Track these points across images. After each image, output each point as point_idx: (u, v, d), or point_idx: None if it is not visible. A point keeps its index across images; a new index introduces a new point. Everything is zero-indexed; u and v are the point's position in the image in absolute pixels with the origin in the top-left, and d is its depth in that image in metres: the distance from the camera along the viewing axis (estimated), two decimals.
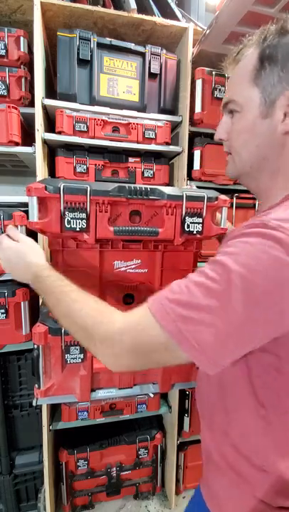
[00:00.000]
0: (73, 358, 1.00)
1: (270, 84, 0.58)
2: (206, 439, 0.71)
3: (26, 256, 0.80)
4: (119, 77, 1.42)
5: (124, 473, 1.63)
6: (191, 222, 0.93)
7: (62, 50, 1.33)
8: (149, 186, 0.90)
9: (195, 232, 0.94)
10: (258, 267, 0.45)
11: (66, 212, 0.83)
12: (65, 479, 1.53)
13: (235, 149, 0.66)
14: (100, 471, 1.60)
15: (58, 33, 1.32)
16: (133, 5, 1.33)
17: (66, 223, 0.84)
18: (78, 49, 1.33)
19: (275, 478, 0.57)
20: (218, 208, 0.97)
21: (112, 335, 0.54)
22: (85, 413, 1.40)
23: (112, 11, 1.35)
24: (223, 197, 0.96)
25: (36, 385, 1.00)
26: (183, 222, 0.92)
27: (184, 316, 0.48)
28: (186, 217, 0.92)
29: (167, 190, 0.90)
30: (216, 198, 0.94)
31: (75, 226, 0.84)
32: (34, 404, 1.01)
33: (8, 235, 0.88)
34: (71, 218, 0.84)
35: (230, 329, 0.46)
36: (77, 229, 0.85)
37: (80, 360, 1.00)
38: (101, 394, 1.07)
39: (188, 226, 0.93)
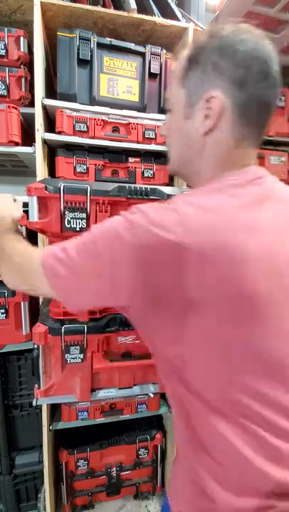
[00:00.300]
0: (73, 358, 1.00)
1: (193, 86, 0.59)
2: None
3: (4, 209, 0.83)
4: (119, 77, 1.42)
5: (124, 473, 1.63)
6: None
7: (62, 50, 1.33)
8: (148, 186, 0.90)
9: None
10: (103, 234, 0.54)
11: (66, 212, 0.84)
12: (65, 479, 1.53)
13: (169, 146, 0.68)
14: (100, 471, 1.60)
15: (58, 33, 1.32)
16: (133, 5, 1.33)
17: (66, 223, 0.85)
18: (78, 49, 1.33)
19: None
20: None
21: (12, 256, 0.70)
22: (85, 413, 1.40)
23: (112, 11, 1.35)
24: None
25: (36, 385, 1.00)
26: None
27: (58, 257, 0.58)
28: None
29: (167, 190, 0.90)
30: None
31: (75, 226, 0.85)
32: (34, 404, 1.02)
33: None
34: (71, 218, 0.84)
35: (74, 272, 0.56)
36: (78, 229, 0.85)
37: (80, 360, 1.01)
38: (101, 394, 1.07)
39: None
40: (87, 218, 0.86)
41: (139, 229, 0.49)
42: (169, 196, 0.89)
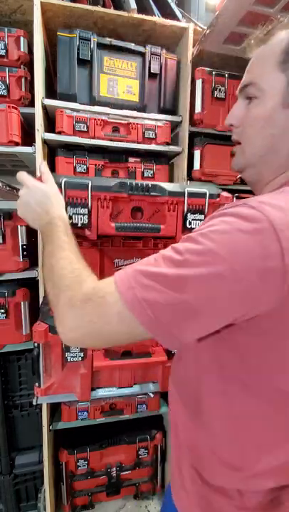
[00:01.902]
0: (73, 357, 1.00)
1: None
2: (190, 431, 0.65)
3: (50, 200, 0.77)
4: (119, 77, 1.43)
5: (124, 473, 1.63)
6: (193, 219, 0.92)
7: (62, 50, 1.34)
8: (150, 182, 0.90)
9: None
10: (229, 244, 0.43)
11: (68, 208, 0.83)
12: (65, 479, 1.53)
13: (248, 137, 0.60)
14: (100, 471, 1.59)
15: (58, 33, 1.32)
16: (133, 5, 1.33)
17: (68, 219, 0.84)
18: (78, 49, 1.33)
19: None
20: (221, 204, 0.96)
21: (75, 301, 0.52)
22: (85, 413, 1.40)
23: (112, 11, 1.35)
24: (225, 194, 0.96)
25: (36, 384, 1.00)
26: (185, 219, 0.92)
27: (144, 284, 0.46)
28: (188, 214, 0.92)
29: (168, 186, 0.90)
30: (218, 195, 0.94)
31: (76, 222, 0.85)
32: (34, 403, 1.02)
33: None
34: (73, 214, 0.85)
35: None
36: (79, 224, 0.85)
37: (80, 358, 1.01)
38: (101, 393, 1.07)
39: (190, 223, 0.92)
40: (89, 214, 0.85)
41: None
42: (170, 193, 0.89)
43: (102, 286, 0.51)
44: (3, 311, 1.33)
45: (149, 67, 1.44)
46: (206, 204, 0.92)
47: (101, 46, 1.37)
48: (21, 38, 1.32)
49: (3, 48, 1.31)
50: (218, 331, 0.49)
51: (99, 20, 1.38)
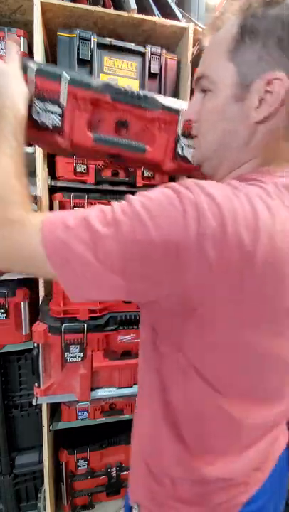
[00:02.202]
0: (73, 357, 1.00)
1: (247, 63, 0.48)
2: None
3: (6, 83, 0.60)
4: (119, 77, 1.42)
5: (124, 473, 1.63)
6: (186, 145, 0.75)
7: (62, 50, 1.34)
8: (142, 91, 0.73)
9: (189, 159, 0.75)
10: (154, 213, 0.42)
11: (35, 101, 0.66)
12: (65, 479, 1.53)
13: (202, 131, 0.57)
14: (99, 471, 1.59)
15: (58, 33, 1.32)
16: (133, 5, 1.33)
17: (35, 114, 0.67)
18: (78, 49, 1.33)
19: None
20: None
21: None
22: (85, 413, 1.40)
23: (112, 11, 1.35)
24: None
25: (36, 384, 1.00)
26: (176, 143, 0.75)
27: (69, 226, 0.44)
28: (181, 138, 0.75)
29: (164, 100, 0.74)
30: None
31: (45, 120, 0.67)
32: (34, 403, 1.02)
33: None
34: (41, 109, 0.67)
35: (98, 258, 0.43)
36: (50, 126, 0.68)
37: (79, 358, 1.01)
38: (101, 393, 1.07)
39: (182, 149, 0.75)
40: (62, 115, 0.67)
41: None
42: (164, 107, 0.73)
43: (30, 216, 0.49)
44: (3, 311, 1.33)
45: (149, 67, 1.44)
46: None
47: (101, 46, 1.37)
48: (21, 38, 1.31)
49: (3, 47, 1.30)
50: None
51: (99, 20, 1.38)
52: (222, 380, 0.50)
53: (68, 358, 0.99)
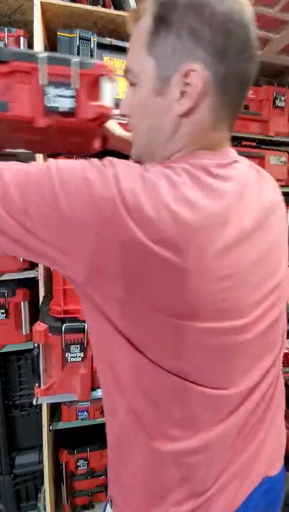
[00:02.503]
0: (73, 357, 1.00)
1: (164, 56, 0.46)
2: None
3: None
4: (120, 77, 1.42)
5: None
6: (56, 96, 0.68)
7: (63, 50, 1.34)
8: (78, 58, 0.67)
9: (64, 110, 0.68)
10: (68, 177, 0.41)
11: None
12: (65, 479, 1.52)
13: (132, 126, 0.55)
14: (99, 471, 1.59)
15: (58, 33, 1.32)
16: (133, 5, 1.33)
17: None
18: (78, 49, 1.33)
19: None
20: (96, 76, 0.69)
21: None
22: (85, 413, 1.40)
23: (112, 11, 1.35)
24: (99, 62, 0.73)
25: (36, 384, 1.00)
26: (44, 94, 0.67)
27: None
28: (49, 88, 0.66)
29: (17, 50, 0.68)
30: (92, 64, 0.68)
31: None
32: (34, 403, 1.02)
33: None
34: None
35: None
36: None
37: (80, 358, 1.01)
38: (101, 393, 1.07)
39: (53, 101, 0.68)
40: None
41: None
42: (15, 55, 0.67)
43: None
44: (3, 311, 1.33)
45: None
46: (75, 75, 0.66)
47: (101, 46, 1.37)
48: (21, 38, 1.31)
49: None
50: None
51: (99, 20, 1.38)
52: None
53: (69, 358, 0.99)
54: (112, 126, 0.81)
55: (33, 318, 1.35)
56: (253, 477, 0.54)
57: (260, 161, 1.61)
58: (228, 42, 0.44)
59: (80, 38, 1.33)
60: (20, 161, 0.50)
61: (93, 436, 1.60)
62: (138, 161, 0.57)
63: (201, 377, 0.45)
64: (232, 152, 0.52)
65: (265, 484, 0.55)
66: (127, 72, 0.52)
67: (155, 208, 0.39)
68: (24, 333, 1.37)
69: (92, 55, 1.35)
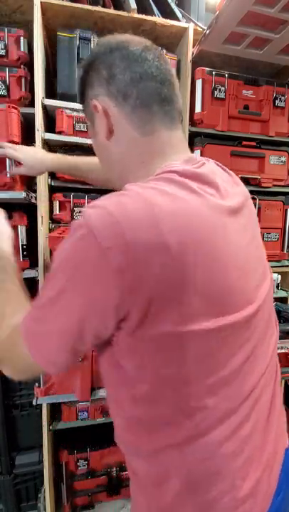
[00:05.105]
0: None
1: (87, 112, 0.62)
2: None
3: None
4: None
5: (124, 473, 1.63)
6: None
7: (62, 50, 1.34)
8: None
9: None
10: (68, 258, 0.46)
11: None
12: (65, 479, 1.53)
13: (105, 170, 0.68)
14: (100, 471, 1.59)
15: (58, 33, 1.32)
16: (133, 5, 1.33)
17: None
18: (78, 49, 1.33)
19: None
20: None
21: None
22: (85, 413, 1.40)
23: (112, 11, 1.35)
24: None
25: (37, 384, 1.00)
26: None
27: (35, 330, 0.51)
28: None
29: None
30: None
31: None
32: (34, 403, 1.02)
33: None
34: None
35: (48, 327, 0.49)
36: None
37: (80, 359, 1.00)
38: (101, 393, 1.07)
39: None
40: None
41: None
42: None
43: (13, 334, 0.55)
44: None
45: None
46: None
47: None
48: (21, 38, 1.31)
49: (3, 47, 1.30)
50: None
51: (99, 20, 1.38)
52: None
53: None
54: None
55: None
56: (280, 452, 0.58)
57: (260, 161, 1.61)
58: (111, 69, 0.56)
59: (80, 38, 1.33)
60: None
61: (93, 436, 1.61)
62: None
63: None
64: (196, 156, 0.60)
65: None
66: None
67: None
68: None
69: None
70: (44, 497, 1.50)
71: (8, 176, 1.18)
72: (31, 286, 1.40)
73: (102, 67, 0.56)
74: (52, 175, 1.47)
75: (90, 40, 1.34)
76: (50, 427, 1.42)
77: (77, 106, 1.36)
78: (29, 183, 1.39)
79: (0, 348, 0.57)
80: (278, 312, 1.66)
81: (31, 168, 1.02)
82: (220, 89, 1.46)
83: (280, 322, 1.54)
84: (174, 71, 0.62)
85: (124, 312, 0.44)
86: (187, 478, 0.50)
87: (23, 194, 1.28)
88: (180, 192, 0.47)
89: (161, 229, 0.43)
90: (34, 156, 1.02)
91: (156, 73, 0.56)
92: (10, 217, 1.27)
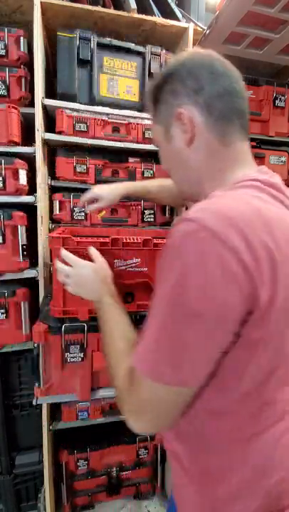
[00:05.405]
0: (73, 357, 1.00)
1: (163, 117, 0.65)
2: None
3: (96, 277, 0.82)
4: (119, 77, 1.43)
5: (124, 473, 1.63)
6: None
7: (62, 50, 1.34)
8: None
9: None
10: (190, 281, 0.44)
11: None
12: (65, 479, 1.53)
13: (174, 178, 0.72)
14: (100, 471, 1.59)
15: (58, 33, 1.32)
16: (133, 5, 1.33)
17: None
18: (78, 49, 1.33)
19: None
20: None
21: (121, 392, 0.56)
22: (85, 413, 1.40)
23: (112, 11, 1.35)
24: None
25: (36, 384, 1.00)
26: None
27: (154, 358, 0.48)
28: None
29: None
30: None
31: None
32: (34, 403, 1.01)
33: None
34: None
35: (180, 351, 0.46)
36: None
37: (80, 359, 1.00)
38: (101, 393, 1.07)
39: None
40: None
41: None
42: None
43: (130, 378, 0.54)
44: (3, 311, 1.33)
45: (149, 67, 1.44)
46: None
47: (101, 46, 1.37)
48: (21, 38, 1.31)
49: (3, 47, 1.30)
50: None
51: (99, 20, 1.38)
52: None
53: (68, 359, 0.99)
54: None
55: (33, 318, 1.35)
56: None
57: (260, 161, 1.61)
58: (199, 81, 0.59)
59: (80, 38, 1.33)
60: None
61: (93, 436, 1.61)
62: (190, 200, 0.71)
63: None
64: (263, 168, 0.63)
65: None
66: (155, 144, 0.72)
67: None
68: (24, 333, 1.37)
69: (92, 56, 1.35)
70: (44, 497, 1.50)
71: (86, 212, 1.40)
72: (31, 287, 1.40)
73: (190, 79, 0.60)
74: (52, 175, 1.47)
75: (90, 40, 1.34)
76: (50, 427, 1.42)
77: (77, 106, 1.36)
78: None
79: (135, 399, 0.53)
80: None
81: (108, 201, 1.10)
82: None
83: None
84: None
85: (246, 312, 0.45)
86: (252, 467, 0.54)
87: (33, 198, 1.33)
88: (268, 199, 0.53)
89: (271, 229, 0.46)
90: (108, 189, 1.11)
91: (238, 89, 0.61)
92: (10, 217, 1.28)
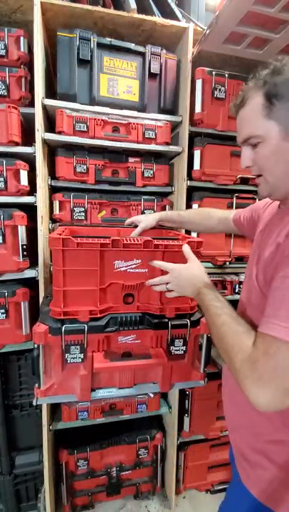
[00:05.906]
0: (73, 358, 1.00)
1: (285, 115, 0.69)
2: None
3: (193, 274, 0.91)
4: (119, 77, 1.42)
5: (124, 473, 1.63)
6: None
7: (62, 50, 1.34)
8: None
9: None
10: None
11: None
12: (65, 479, 1.53)
13: (267, 169, 0.75)
14: (100, 471, 1.60)
15: (58, 33, 1.32)
16: (133, 5, 1.33)
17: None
18: (78, 49, 1.33)
19: None
20: None
21: (245, 363, 0.63)
22: (85, 413, 1.40)
23: (112, 11, 1.35)
24: None
25: (36, 385, 1.00)
26: None
27: None
28: None
29: None
30: None
31: None
32: (34, 403, 1.01)
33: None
34: None
35: None
36: None
37: (80, 359, 1.00)
38: (101, 393, 1.07)
39: None
40: None
41: None
42: None
43: (258, 344, 0.63)
44: (3, 311, 1.33)
45: (149, 67, 1.44)
46: None
47: (101, 46, 1.37)
48: (21, 38, 1.31)
49: (3, 47, 1.30)
50: None
51: (99, 20, 1.38)
52: None
53: (69, 359, 0.99)
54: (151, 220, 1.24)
55: (33, 318, 1.35)
56: None
57: None
58: None
59: (80, 38, 1.33)
60: None
61: (93, 436, 1.61)
62: (268, 196, 0.79)
63: None
64: None
65: None
66: (249, 138, 0.74)
67: None
68: (24, 333, 1.37)
69: (92, 56, 1.35)
70: (44, 497, 1.50)
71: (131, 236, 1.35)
72: (32, 287, 1.40)
73: None
74: (52, 175, 1.47)
75: (89, 40, 1.33)
76: (50, 427, 1.42)
77: (77, 106, 1.36)
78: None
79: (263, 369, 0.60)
80: None
81: (146, 226, 1.22)
82: (220, 89, 1.46)
83: None
84: None
85: None
86: None
87: (34, 199, 1.33)
88: None
89: None
90: (146, 218, 1.25)
91: None
92: (10, 217, 1.28)
